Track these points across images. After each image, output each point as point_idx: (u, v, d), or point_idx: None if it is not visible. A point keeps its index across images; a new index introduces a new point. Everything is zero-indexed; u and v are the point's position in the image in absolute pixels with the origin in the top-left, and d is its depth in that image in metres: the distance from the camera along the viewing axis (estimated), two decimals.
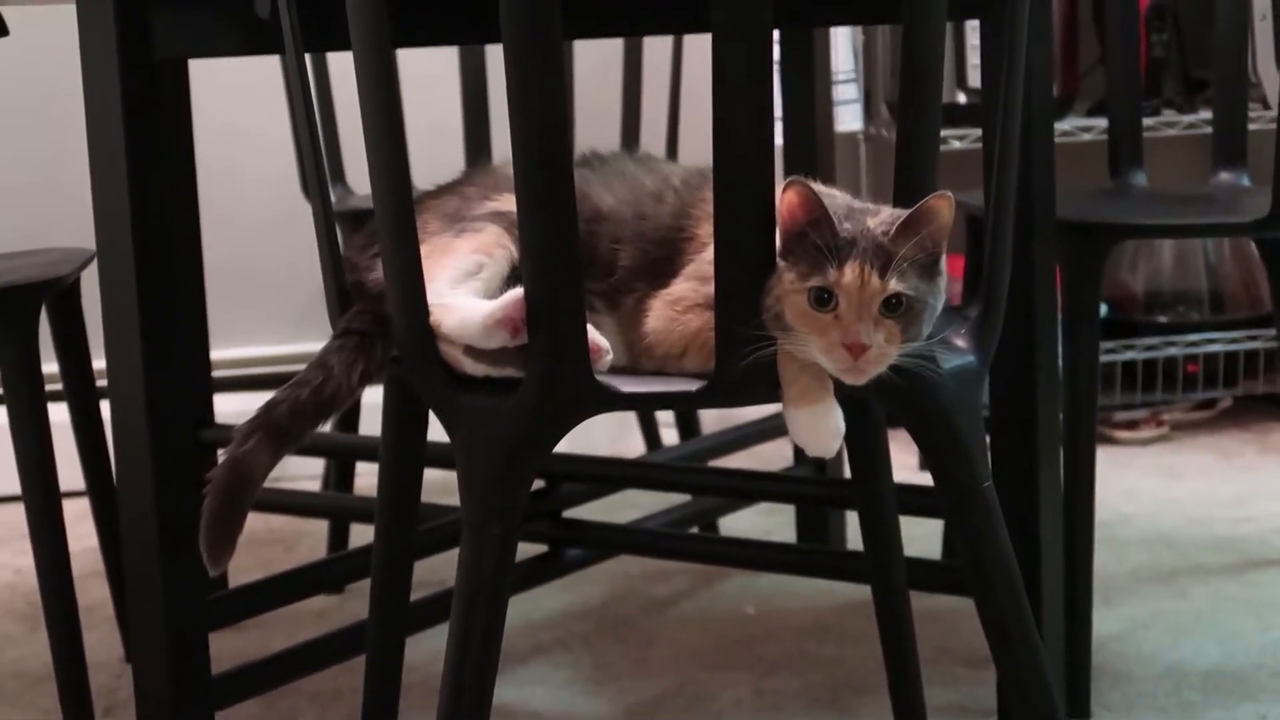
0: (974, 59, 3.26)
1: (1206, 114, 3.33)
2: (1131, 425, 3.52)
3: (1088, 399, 2.15)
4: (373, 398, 1.74)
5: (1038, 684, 1.57)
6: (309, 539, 2.98)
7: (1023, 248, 1.81)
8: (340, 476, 2.82)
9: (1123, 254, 3.64)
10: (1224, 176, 2.43)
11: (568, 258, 1.41)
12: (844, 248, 1.39)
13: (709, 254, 1.46)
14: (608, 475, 2.58)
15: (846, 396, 1.44)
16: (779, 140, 2.54)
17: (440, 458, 1.78)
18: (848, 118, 3.37)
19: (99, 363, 2.01)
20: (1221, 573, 2.67)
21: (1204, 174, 2.49)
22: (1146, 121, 2.63)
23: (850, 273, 1.38)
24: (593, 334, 1.43)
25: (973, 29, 3.24)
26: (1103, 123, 3.22)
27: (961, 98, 3.30)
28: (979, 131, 3.08)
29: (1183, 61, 3.54)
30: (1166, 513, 3.01)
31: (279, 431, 1.54)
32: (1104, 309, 3.46)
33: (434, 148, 2.20)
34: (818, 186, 1.43)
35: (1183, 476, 3.25)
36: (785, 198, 1.41)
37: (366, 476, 2.80)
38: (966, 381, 1.51)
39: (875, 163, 3.50)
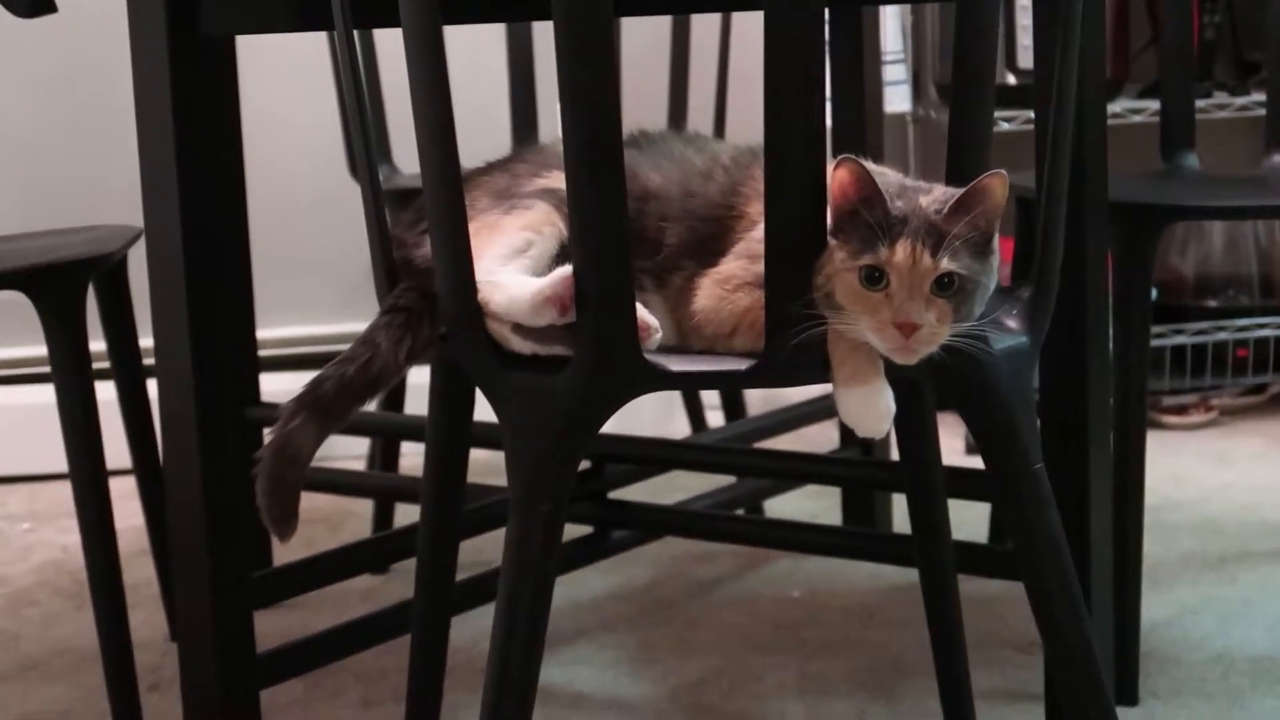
0: (1024, 40, 3.24)
1: (1259, 96, 3.31)
2: (1180, 410, 3.50)
3: (1138, 383, 2.13)
4: (418, 378, 1.74)
5: (1087, 667, 1.56)
6: (354, 519, 2.98)
7: (1075, 229, 1.80)
8: (385, 456, 2.82)
9: (1172, 238, 3.62)
10: (1277, 159, 2.40)
11: (617, 236, 1.40)
12: (896, 226, 1.38)
13: (759, 232, 1.45)
14: (653, 457, 2.58)
15: (896, 377, 1.44)
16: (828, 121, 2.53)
17: (485, 438, 1.78)
18: (896, 99, 3.36)
19: (146, 340, 2.01)
20: (1271, 559, 2.65)
21: (1255, 158, 2.46)
22: (1198, 104, 2.61)
23: (902, 251, 1.38)
24: (642, 312, 1.42)
25: (1023, 9, 3.21)
26: (1153, 105, 3.20)
27: (1011, 79, 3.28)
28: (1029, 113, 3.06)
29: (1235, 43, 3.51)
30: (1215, 498, 2.99)
31: (325, 409, 1.54)
32: (1153, 293, 3.44)
33: (480, 127, 2.19)
34: (869, 165, 1.42)
35: (1232, 462, 3.23)
36: (837, 175, 1.40)
37: (411, 457, 2.80)
38: (1018, 362, 1.50)
39: (923, 144, 3.48)
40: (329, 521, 2.98)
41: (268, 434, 1.56)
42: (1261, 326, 3.46)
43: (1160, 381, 3.43)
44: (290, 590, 2.28)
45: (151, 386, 2.04)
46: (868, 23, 2.56)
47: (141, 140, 1.82)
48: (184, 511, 1.86)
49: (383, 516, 2.79)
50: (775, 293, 1.41)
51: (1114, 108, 3.25)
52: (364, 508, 2.92)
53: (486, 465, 2.24)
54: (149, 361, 2.02)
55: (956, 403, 1.51)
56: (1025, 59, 3.25)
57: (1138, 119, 3.27)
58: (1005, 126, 3.16)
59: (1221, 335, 3.45)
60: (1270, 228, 3.60)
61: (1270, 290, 3.60)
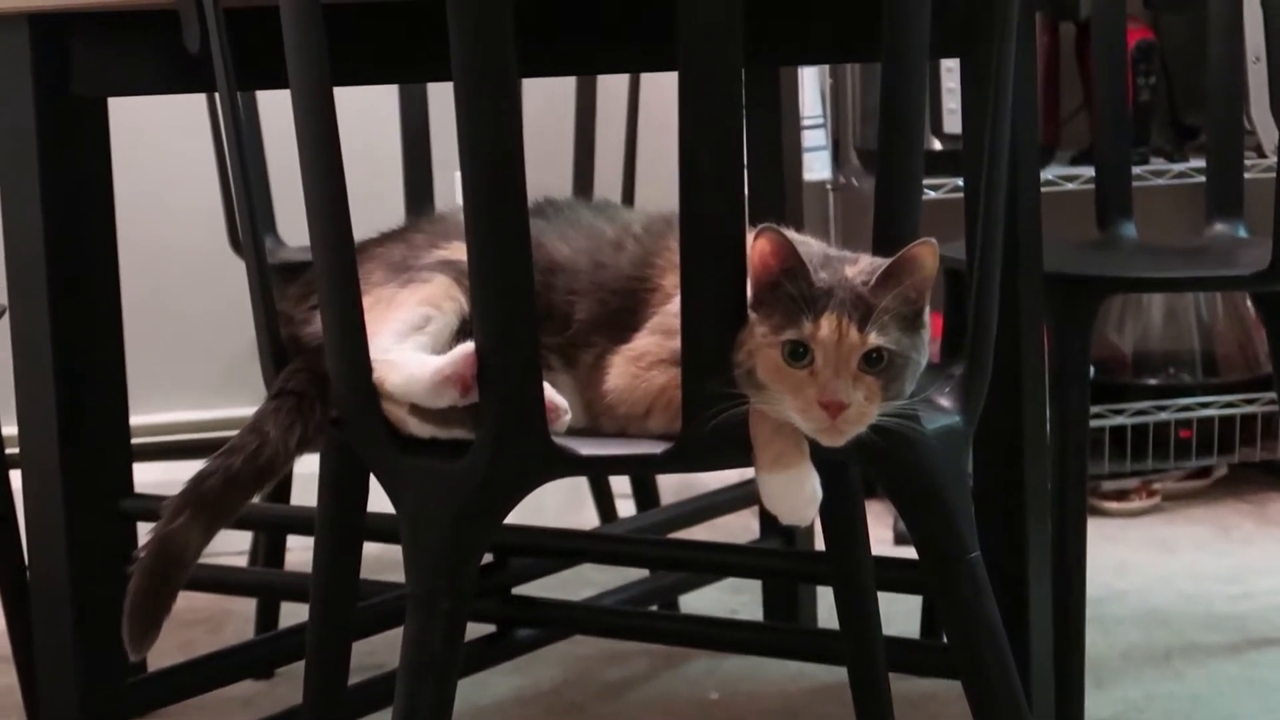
0: (950, 103, 3.27)
1: (1197, 162, 3.35)
2: (1121, 495, 3.52)
3: (1077, 465, 2.15)
4: (306, 466, 1.73)
5: None
6: (235, 619, 2.95)
7: (1008, 302, 1.82)
8: (270, 551, 2.80)
9: (1110, 312, 3.65)
10: (1219, 227, 2.44)
11: (522, 310, 1.40)
12: (820, 298, 1.39)
13: (674, 306, 1.46)
14: (560, 548, 2.56)
15: (823, 459, 1.44)
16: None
17: (380, 530, 1.77)
18: (816, 166, 3.38)
19: (9, 428, 1.99)
20: (1219, 653, 2.67)
21: (1195, 226, 2.50)
22: (1134, 170, 2.65)
23: (827, 325, 1.38)
24: (549, 392, 1.43)
25: (949, 72, 3.25)
26: (1087, 172, 3.24)
27: (937, 144, 3.31)
28: (956, 181, 3.09)
29: (1171, 106, 3.57)
30: (1159, 589, 3.01)
31: (211, 505, 1.53)
32: (1091, 371, 3.47)
33: (372, 195, 2.19)
34: (791, 234, 1.43)
35: (1176, 550, 3.25)
36: (757, 245, 1.41)
37: (299, 551, 2.78)
38: (952, 443, 1.51)
39: (845, 214, 3.51)
40: (209, 622, 2.95)
41: (144, 530, 1.54)
42: (1205, 406, 3.50)
43: (1099, 465, 3.46)
44: (166, 698, 2.25)
45: (15, 478, 2.01)
46: (785, 85, 2.58)
47: (5, 212, 1.80)
48: (50, 613, 1.83)
49: (267, 616, 2.76)
50: (692, 370, 1.41)
51: (1046, 175, 3.29)
52: (246, 607, 2.89)
53: (381, 559, 2.22)
54: (12, 451, 2.00)
55: (887, 487, 1.52)
56: (952, 123, 3.28)
57: (1071, 186, 3.31)
58: (932, 195, 3.19)
59: (1163, 415, 3.49)
60: (1212, 301, 3.64)
61: (1213, 367, 3.63)
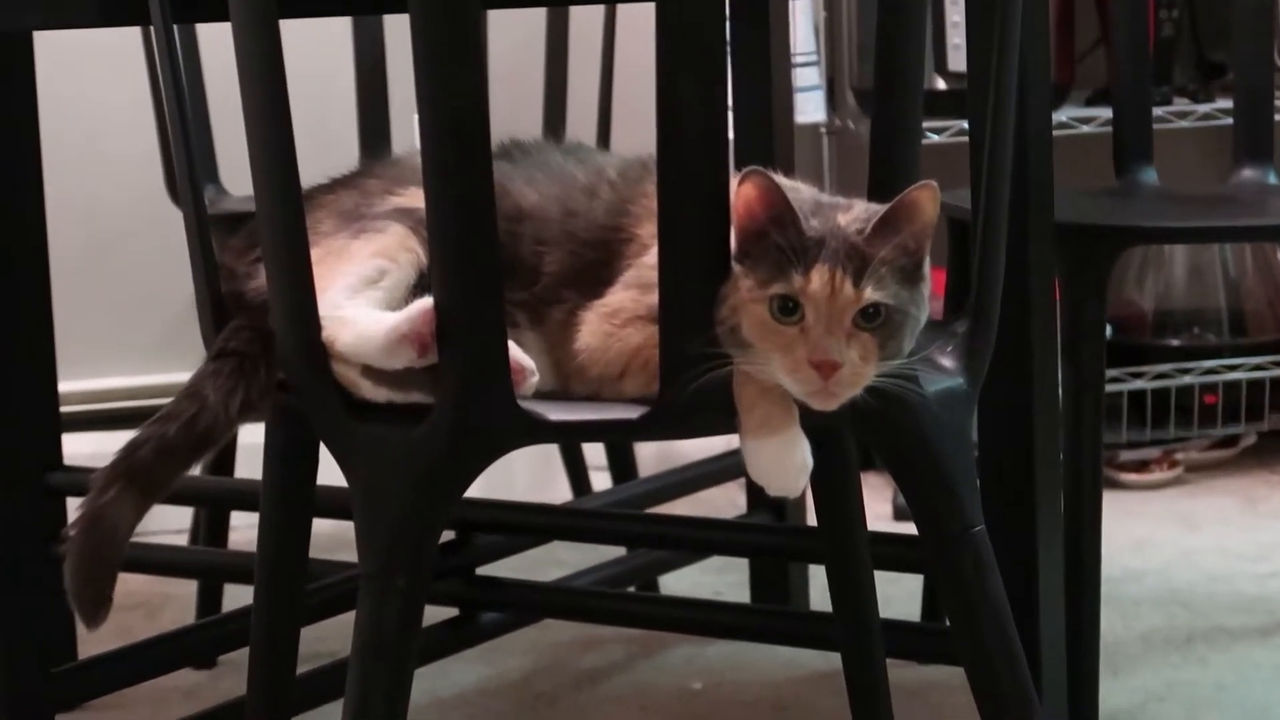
0: (955, 39, 3.27)
1: (1224, 103, 3.36)
2: (1141, 466, 3.53)
3: (1092, 433, 2.15)
4: (251, 435, 1.73)
5: None
6: (174, 603, 2.95)
7: (1016, 254, 1.82)
8: (212, 528, 2.80)
9: (1129, 266, 3.65)
10: (1247, 173, 2.45)
11: (485, 262, 1.40)
12: (811, 249, 1.39)
13: (651, 258, 1.46)
14: (529, 525, 2.57)
15: (814, 425, 1.44)
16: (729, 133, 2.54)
17: (331, 504, 1.77)
18: (809, 107, 3.38)
19: None
20: (1246, 637, 2.68)
21: (1221, 171, 2.50)
22: (1155, 111, 2.66)
23: (818, 278, 1.38)
24: (515, 352, 1.43)
25: (953, 4, 3.25)
26: (1103, 113, 3.24)
27: (941, 84, 3.31)
28: (961, 123, 3.09)
29: (1196, 43, 3.57)
30: (1181, 567, 3.02)
31: (145, 476, 1.54)
32: (1108, 330, 3.48)
33: (324, 138, 2.19)
34: (779, 178, 1.43)
35: (1200, 525, 3.26)
36: (742, 191, 1.41)
37: (243, 530, 2.78)
38: (954, 406, 1.51)
39: (840, 159, 3.51)
40: (146, 606, 2.95)
41: (75, 505, 1.54)
42: (1232, 369, 3.50)
43: (1117, 433, 3.47)
44: (98, 688, 2.25)
45: None
46: (775, 19, 2.58)
47: None
48: None
49: (209, 600, 2.76)
50: (671, 328, 1.41)
51: (1059, 116, 3.29)
52: (187, 590, 2.88)
53: (333, 537, 2.23)
54: None
55: (883, 455, 1.52)
56: (957, 60, 3.28)
57: (1086, 129, 3.31)
58: (935, 138, 3.19)
59: (1186, 379, 3.49)
60: (1240, 254, 3.65)
61: (1241, 327, 3.64)
